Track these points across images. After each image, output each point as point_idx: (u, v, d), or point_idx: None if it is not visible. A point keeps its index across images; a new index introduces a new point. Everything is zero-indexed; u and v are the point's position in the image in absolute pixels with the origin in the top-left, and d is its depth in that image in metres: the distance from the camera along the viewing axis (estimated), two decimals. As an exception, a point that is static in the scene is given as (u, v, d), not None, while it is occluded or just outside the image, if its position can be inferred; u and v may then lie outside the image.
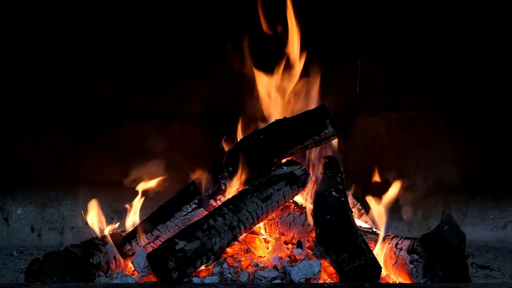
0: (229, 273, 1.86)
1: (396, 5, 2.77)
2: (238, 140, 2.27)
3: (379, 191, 2.30)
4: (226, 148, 2.31)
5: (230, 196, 2.09)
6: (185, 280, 1.77)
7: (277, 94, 2.37)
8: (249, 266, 1.94)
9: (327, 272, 1.89)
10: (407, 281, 1.82)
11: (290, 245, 2.13)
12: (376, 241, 2.03)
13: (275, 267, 1.89)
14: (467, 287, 1.72)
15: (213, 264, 1.87)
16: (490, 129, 2.90)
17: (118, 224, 2.32)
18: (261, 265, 1.95)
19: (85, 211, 2.88)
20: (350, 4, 2.77)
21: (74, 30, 2.78)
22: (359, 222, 2.21)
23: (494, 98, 2.88)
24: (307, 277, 1.78)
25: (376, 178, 2.46)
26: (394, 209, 2.55)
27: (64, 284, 1.71)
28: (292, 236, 2.15)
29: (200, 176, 2.14)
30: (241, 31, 2.49)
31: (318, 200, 2.10)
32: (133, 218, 2.25)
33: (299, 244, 2.09)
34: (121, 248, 2.09)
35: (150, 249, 2.00)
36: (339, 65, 2.79)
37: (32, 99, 2.84)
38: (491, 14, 2.78)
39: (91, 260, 1.90)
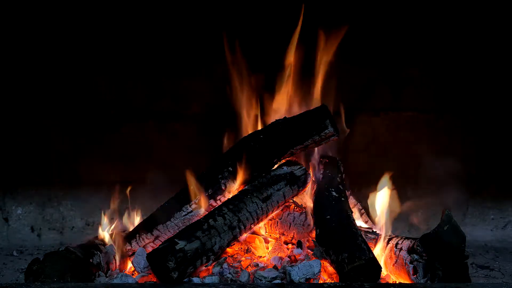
0: (229, 273, 1.86)
1: (396, 5, 2.77)
2: (238, 140, 2.28)
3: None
4: (226, 148, 2.32)
5: (230, 196, 2.09)
6: (185, 280, 1.77)
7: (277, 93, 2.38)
8: (249, 266, 1.94)
9: (327, 272, 1.89)
10: (407, 281, 1.82)
11: (290, 245, 2.13)
12: (376, 241, 2.03)
13: (275, 267, 1.89)
14: (467, 287, 1.72)
15: (213, 264, 1.87)
16: (490, 129, 2.90)
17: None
18: (261, 265, 1.95)
19: (85, 211, 2.91)
20: (351, 4, 2.77)
21: (74, 30, 2.78)
22: (359, 222, 2.21)
23: (494, 98, 2.88)
24: (307, 277, 1.78)
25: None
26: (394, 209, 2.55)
27: (64, 284, 1.71)
28: (292, 236, 2.15)
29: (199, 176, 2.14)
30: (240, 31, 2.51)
31: (318, 200, 2.10)
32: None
33: (299, 244, 2.09)
34: (121, 248, 2.08)
35: (150, 249, 2.00)
36: (339, 65, 2.80)
37: (32, 99, 2.84)
38: (491, 14, 2.79)
39: (91, 260, 1.90)
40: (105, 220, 2.21)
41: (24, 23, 2.77)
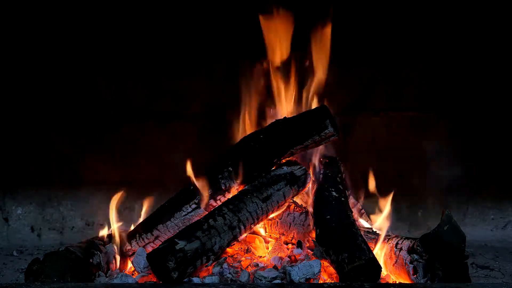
0: (229, 273, 1.86)
1: (396, 6, 2.77)
2: (238, 140, 2.28)
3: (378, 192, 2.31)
4: (226, 148, 2.31)
5: (230, 196, 2.09)
6: (185, 280, 1.77)
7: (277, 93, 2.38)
8: (249, 266, 1.94)
9: (327, 272, 1.88)
10: (407, 281, 1.82)
11: (290, 245, 2.13)
12: (376, 241, 2.03)
13: (275, 267, 1.89)
14: (467, 287, 1.72)
15: (213, 264, 1.87)
16: (490, 129, 2.91)
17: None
18: (261, 265, 1.95)
19: (85, 211, 2.91)
20: (351, 4, 2.77)
21: (74, 31, 2.78)
22: (359, 222, 2.20)
23: (494, 98, 2.89)
24: (307, 277, 1.78)
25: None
26: (394, 209, 2.55)
27: (64, 284, 1.71)
28: (292, 236, 2.15)
29: (200, 176, 2.14)
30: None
31: (318, 200, 2.10)
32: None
33: (299, 244, 2.09)
34: (121, 248, 2.08)
35: (150, 249, 2.00)
36: (339, 65, 2.80)
37: (32, 99, 2.84)
38: (490, 14, 2.79)
39: (91, 260, 1.90)
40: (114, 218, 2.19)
41: (24, 23, 2.77)
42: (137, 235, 2.10)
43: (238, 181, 2.12)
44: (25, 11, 2.76)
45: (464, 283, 1.73)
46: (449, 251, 1.74)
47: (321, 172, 2.26)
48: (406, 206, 2.94)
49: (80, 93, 2.85)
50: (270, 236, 2.20)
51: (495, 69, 2.85)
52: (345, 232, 1.86)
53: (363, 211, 2.34)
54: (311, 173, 2.23)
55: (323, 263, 1.86)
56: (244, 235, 2.05)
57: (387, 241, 1.99)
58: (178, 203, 2.12)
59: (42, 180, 2.90)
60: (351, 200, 2.31)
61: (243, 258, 2.00)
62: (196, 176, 2.12)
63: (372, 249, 1.85)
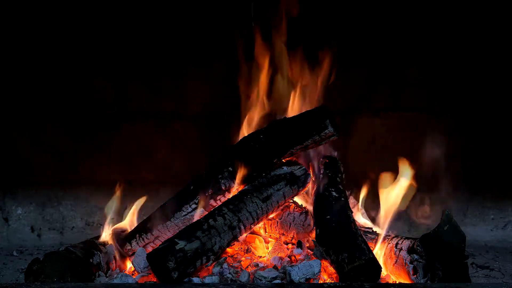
0: (229, 273, 1.86)
1: (396, 5, 2.77)
2: (238, 140, 2.28)
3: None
4: (226, 148, 2.31)
5: (230, 196, 2.09)
6: (185, 280, 1.77)
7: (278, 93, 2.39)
8: (249, 266, 1.94)
9: (327, 272, 1.89)
10: (407, 281, 1.82)
11: (290, 245, 2.13)
12: (376, 241, 2.03)
13: (275, 267, 1.89)
14: (467, 287, 1.72)
15: (213, 264, 1.87)
16: (490, 129, 2.90)
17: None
18: (261, 265, 1.95)
19: (85, 211, 2.91)
20: (351, 3, 2.77)
21: (74, 31, 2.78)
22: (359, 222, 2.20)
23: (494, 98, 2.89)
24: (307, 277, 1.78)
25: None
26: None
27: (64, 284, 1.71)
28: (292, 236, 2.15)
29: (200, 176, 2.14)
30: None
31: (318, 200, 2.10)
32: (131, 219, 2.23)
33: (299, 244, 2.09)
34: (121, 248, 2.08)
35: (150, 249, 2.00)
36: (339, 65, 2.80)
37: (32, 99, 2.84)
38: (491, 14, 2.79)
39: (91, 260, 1.90)
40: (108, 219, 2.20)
41: (25, 24, 2.77)
42: (137, 235, 2.10)
43: (238, 181, 2.12)
44: (26, 12, 2.76)
45: (464, 283, 1.73)
46: (449, 251, 1.74)
47: (321, 172, 2.26)
48: (406, 206, 2.94)
49: (80, 93, 2.85)
50: (270, 236, 2.20)
51: (495, 69, 2.85)
52: (345, 232, 1.86)
53: (363, 211, 2.34)
54: (311, 173, 2.23)
55: (323, 263, 1.86)
56: (244, 235, 2.05)
57: (387, 241, 1.99)
58: (178, 203, 2.12)
59: (42, 180, 2.90)
60: (351, 200, 2.31)
61: (243, 258, 2.00)
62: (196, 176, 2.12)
63: (372, 249, 1.86)
